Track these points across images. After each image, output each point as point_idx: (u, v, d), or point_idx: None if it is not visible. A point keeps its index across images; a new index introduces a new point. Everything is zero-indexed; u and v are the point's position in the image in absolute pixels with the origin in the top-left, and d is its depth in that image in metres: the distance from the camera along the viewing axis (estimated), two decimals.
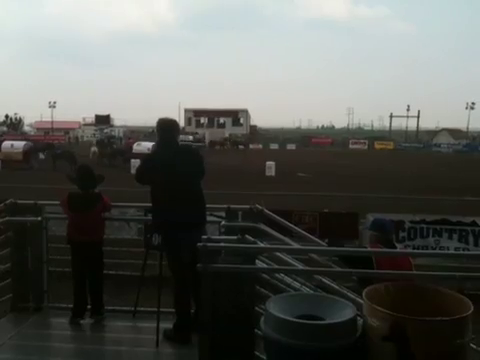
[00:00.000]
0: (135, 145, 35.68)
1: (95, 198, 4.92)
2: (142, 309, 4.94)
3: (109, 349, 4.38)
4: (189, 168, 4.37)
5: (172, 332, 4.33)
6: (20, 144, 33.34)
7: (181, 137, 66.18)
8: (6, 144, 32.97)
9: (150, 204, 4.46)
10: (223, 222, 4.83)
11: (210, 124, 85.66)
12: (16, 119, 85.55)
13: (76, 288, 4.88)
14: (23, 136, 73.24)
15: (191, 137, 63.89)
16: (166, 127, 4.47)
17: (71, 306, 4.91)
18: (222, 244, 3.69)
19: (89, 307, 4.90)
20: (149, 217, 4.84)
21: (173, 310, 4.45)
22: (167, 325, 4.36)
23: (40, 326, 4.84)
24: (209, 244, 3.51)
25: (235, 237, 3.73)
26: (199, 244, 3.40)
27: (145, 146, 32.58)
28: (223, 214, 5.03)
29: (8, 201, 5.09)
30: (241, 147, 63.17)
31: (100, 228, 4.98)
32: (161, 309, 4.42)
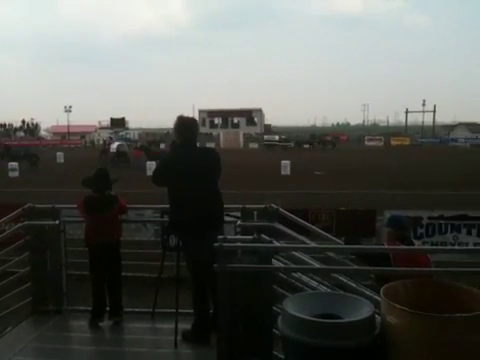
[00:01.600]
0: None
1: (111, 200, 4.96)
2: (160, 310, 4.95)
3: (128, 351, 4.41)
4: (207, 168, 4.36)
5: (190, 333, 4.34)
6: None
7: (265, 137, 65.62)
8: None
9: (167, 206, 4.47)
10: (239, 222, 4.84)
11: (224, 124, 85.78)
12: (32, 124, 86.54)
13: (95, 290, 4.92)
14: (40, 141, 74.27)
15: (277, 137, 63.25)
16: (184, 126, 4.45)
17: (90, 308, 4.96)
18: (238, 244, 3.70)
19: (107, 309, 4.95)
20: (166, 218, 4.87)
21: (191, 311, 4.46)
22: (185, 326, 4.37)
23: (60, 329, 4.89)
24: (225, 244, 3.52)
25: (251, 237, 3.73)
26: (215, 244, 3.40)
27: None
28: (238, 214, 5.04)
29: (26, 205, 5.16)
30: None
31: (117, 230, 5.02)
32: (179, 310, 4.43)
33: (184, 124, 4.48)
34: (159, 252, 8.29)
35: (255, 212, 4.87)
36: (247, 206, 4.90)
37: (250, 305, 3.44)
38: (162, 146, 62.02)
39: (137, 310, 5.14)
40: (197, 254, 4.26)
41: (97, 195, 4.93)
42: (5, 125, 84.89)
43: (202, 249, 4.16)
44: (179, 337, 4.30)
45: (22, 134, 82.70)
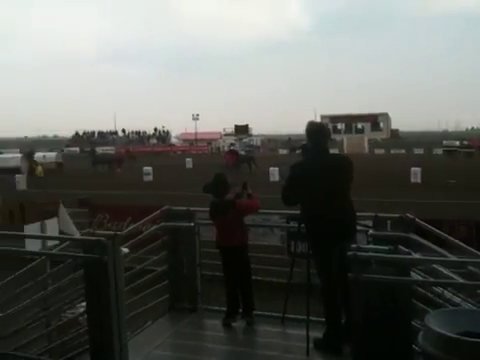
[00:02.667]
0: None
1: (228, 205, 5.06)
2: (291, 316, 4.97)
3: (260, 353, 4.48)
4: (339, 174, 4.30)
5: (322, 341, 4.30)
6: None
7: (444, 142, 63.19)
8: None
9: (293, 212, 4.45)
10: (371, 231, 4.68)
11: (348, 130, 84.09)
12: (164, 131, 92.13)
13: (228, 291, 5.09)
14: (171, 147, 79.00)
15: (457, 142, 60.66)
16: (315, 131, 4.44)
17: (223, 308, 5.13)
18: (373, 254, 3.58)
19: (240, 310, 5.08)
20: (292, 225, 4.85)
21: (322, 319, 4.41)
22: (316, 334, 4.33)
23: (195, 326, 5.13)
24: (359, 253, 3.43)
25: (386, 247, 3.59)
26: (349, 253, 3.33)
27: None
28: (369, 222, 4.88)
29: (164, 207, 5.50)
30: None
31: (239, 233, 5.08)
32: (310, 317, 4.40)
33: (315, 129, 4.47)
34: (284, 258, 8.41)
35: (388, 221, 4.67)
36: (380, 215, 4.73)
37: (386, 318, 3.31)
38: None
39: (267, 314, 5.20)
40: (329, 262, 4.21)
41: (217, 200, 5.10)
42: (139, 132, 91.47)
43: (334, 257, 4.11)
44: (311, 344, 4.27)
45: (154, 141, 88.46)
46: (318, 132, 4.43)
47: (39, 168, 29.17)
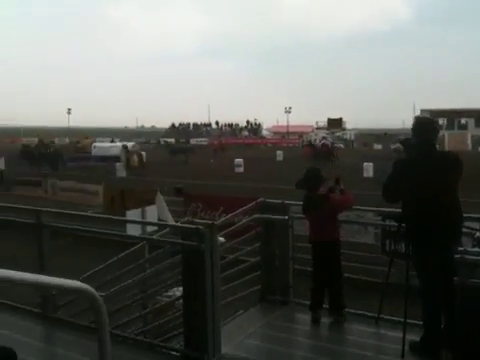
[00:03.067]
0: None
1: (320, 200, 4.97)
2: (386, 317, 4.81)
3: (352, 352, 4.38)
4: (446, 172, 4.06)
5: (419, 345, 4.11)
6: None
7: None
8: None
9: (389, 209, 4.28)
10: (478, 233, 4.40)
11: (449, 125, 79.55)
12: (256, 124, 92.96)
13: (314, 285, 5.04)
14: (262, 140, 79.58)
15: None
16: (422, 127, 4.23)
17: None
18: None
19: (326, 306, 5.01)
20: (387, 223, 4.66)
21: (419, 322, 4.22)
22: (413, 337, 4.15)
23: (286, 319, 5.13)
24: (467, 256, 3.23)
25: None
26: (456, 256, 3.14)
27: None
28: (476, 225, 4.59)
29: (259, 200, 5.53)
30: None
31: (331, 229, 4.99)
32: (407, 319, 4.23)
33: (422, 125, 4.26)
34: (379, 257, 8.15)
35: None
36: None
37: None
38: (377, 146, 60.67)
39: (360, 312, 5.08)
40: (430, 264, 4.00)
41: (311, 194, 5.03)
42: (232, 125, 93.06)
43: (436, 260, 3.91)
44: (406, 347, 4.10)
45: (246, 133, 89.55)
46: (426, 128, 4.21)
47: (134, 158, 30.73)
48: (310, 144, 42.25)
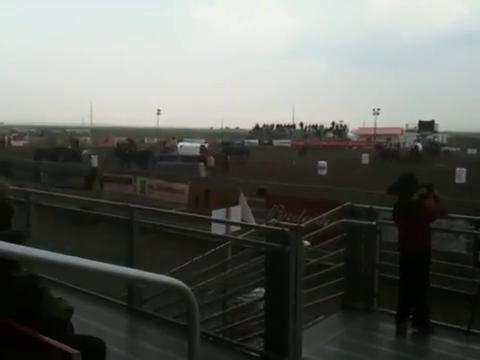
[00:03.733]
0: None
1: (415, 206, 4.78)
2: (477, 331, 4.53)
3: None
4: None
5: None
6: None
7: None
8: None
9: None
10: None
11: None
12: (341, 126, 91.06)
13: (401, 294, 4.88)
14: (347, 143, 77.89)
15: None
16: None
17: None
18: None
19: (411, 317, 4.80)
20: None
21: None
22: None
23: (368, 327, 5.00)
24: None
25: None
26: None
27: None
28: None
29: (346, 204, 5.42)
30: None
31: (422, 236, 4.81)
32: None
33: None
34: (471, 267, 7.68)
35: None
36: None
37: None
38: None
39: (449, 325, 4.82)
40: None
41: (402, 200, 4.86)
42: (316, 126, 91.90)
43: None
44: None
45: (331, 135, 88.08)
46: None
47: (211, 158, 31.33)
48: (377, 145, 46.33)
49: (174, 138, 50.17)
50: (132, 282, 4.66)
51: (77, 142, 49.59)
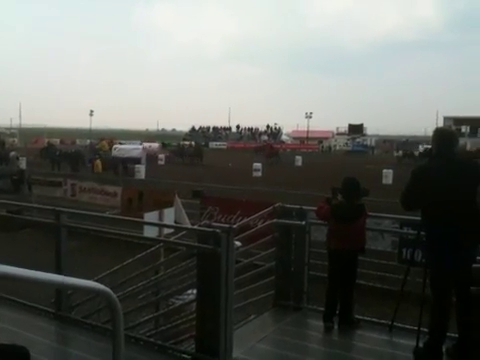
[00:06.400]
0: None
1: (360, 209, 4.95)
2: (400, 325, 4.76)
3: (364, 359, 4.34)
4: (466, 183, 4.01)
5: (423, 351, 4.07)
6: None
7: None
8: None
9: (406, 217, 4.23)
10: None
11: (472, 133, 78.32)
12: (276, 128, 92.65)
13: (330, 292, 5.00)
14: (281, 145, 79.35)
15: None
16: (442, 138, 4.20)
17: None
18: None
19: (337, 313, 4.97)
20: (405, 231, 4.62)
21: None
22: None
23: (298, 325, 5.10)
24: None
25: None
26: (475, 265, 3.09)
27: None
28: None
29: (277, 204, 5.51)
30: None
31: (362, 238, 5.00)
32: (421, 328, 4.18)
33: (441, 136, 4.23)
34: (394, 264, 8.07)
35: None
36: None
37: None
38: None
39: (374, 320, 5.03)
40: (446, 273, 3.95)
41: (346, 203, 4.94)
42: (252, 129, 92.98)
43: (452, 268, 3.88)
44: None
45: (266, 137, 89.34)
46: (443, 139, 4.18)
47: (98, 162, 31.12)
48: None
49: (103, 139, 48.67)
50: (58, 288, 4.51)
51: (4, 143, 47.21)
